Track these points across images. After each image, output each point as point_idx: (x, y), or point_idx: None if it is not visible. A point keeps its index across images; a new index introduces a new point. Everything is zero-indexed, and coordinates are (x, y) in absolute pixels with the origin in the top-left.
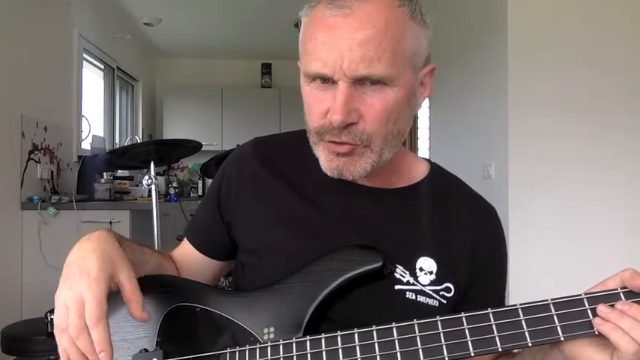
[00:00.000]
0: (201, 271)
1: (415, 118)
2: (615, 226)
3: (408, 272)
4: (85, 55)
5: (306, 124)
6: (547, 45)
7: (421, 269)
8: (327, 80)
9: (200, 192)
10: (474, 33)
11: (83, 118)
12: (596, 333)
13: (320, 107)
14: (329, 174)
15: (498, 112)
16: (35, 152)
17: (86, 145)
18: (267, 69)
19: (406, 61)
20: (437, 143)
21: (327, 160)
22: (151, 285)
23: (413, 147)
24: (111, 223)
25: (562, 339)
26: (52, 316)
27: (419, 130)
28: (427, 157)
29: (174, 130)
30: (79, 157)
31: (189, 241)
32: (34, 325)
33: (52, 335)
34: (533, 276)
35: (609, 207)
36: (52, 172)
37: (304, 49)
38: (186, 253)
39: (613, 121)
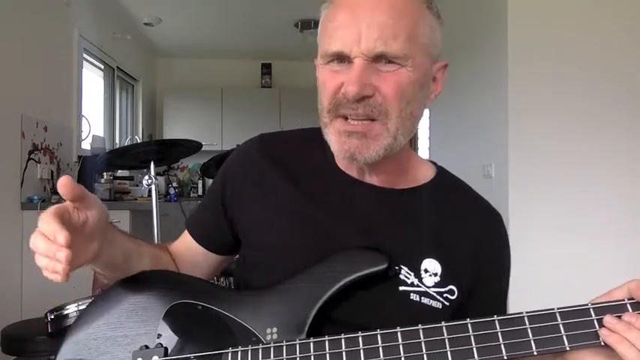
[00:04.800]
0: (200, 265)
1: None
2: (615, 226)
3: (412, 273)
4: (85, 55)
5: (319, 107)
6: (547, 45)
7: (426, 271)
8: (343, 60)
9: (200, 192)
10: (474, 33)
11: (83, 118)
12: (602, 344)
13: (333, 83)
14: (340, 156)
15: (498, 112)
16: (35, 152)
17: (86, 145)
18: (267, 69)
19: (421, 46)
20: (437, 143)
21: (338, 142)
22: (153, 281)
23: (413, 147)
24: (111, 223)
25: (568, 348)
26: (52, 316)
27: (419, 130)
28: (431, 159)
29: (174, 130)
30: (79, 157)
31: (190, 233)
32: (34, 325)
33: (52, 335)
34: (533, 276)
35: (609, 207)
36: (52, 172)
37: (325, 32)
38: (186, 246)
39: (613, 122)
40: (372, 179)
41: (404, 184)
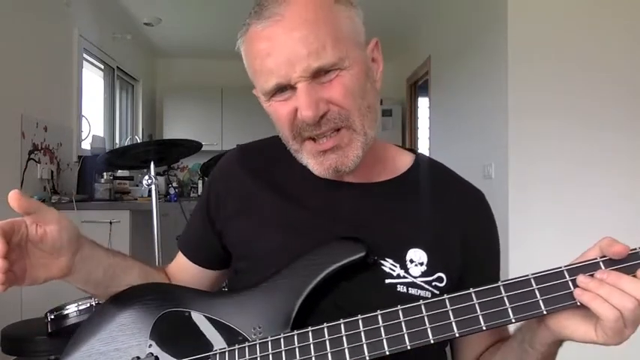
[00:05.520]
0: (197, 283)
1: (415, 119)
2: (615, 226)
3: (398, 265)
4: (85, 55)
5: (284, 139)
6: (547, 45)
7: (411, 261)
8: (284, 89)
9: (200, 192)
10: (474, 33)
11: (83, 118)
12: (578, 304)
13: (286, 111)
14: (325, 176)
15: (498, 112)
16: (35, 152)
17: (86, 145)
18: None
19: (348, 41)
20: (437, 143)
21: (317, 164)
22: (142, 294)
23: (413, 147)
24: (111, 223)
25: (545, 312)
26: (52, 316)
27: (419, 131)
28: (412, 148)
29: (174, 130)
30: (79, 157)
31: (182, 252)
32: (34, 325)
33: (52, 335)
34: None
35: (609, 207)
36: (52, 172)
37: (254, 71)
38: (181, 266)
39: (612, 122)
40: (350, 177)
41: (383, 177)
